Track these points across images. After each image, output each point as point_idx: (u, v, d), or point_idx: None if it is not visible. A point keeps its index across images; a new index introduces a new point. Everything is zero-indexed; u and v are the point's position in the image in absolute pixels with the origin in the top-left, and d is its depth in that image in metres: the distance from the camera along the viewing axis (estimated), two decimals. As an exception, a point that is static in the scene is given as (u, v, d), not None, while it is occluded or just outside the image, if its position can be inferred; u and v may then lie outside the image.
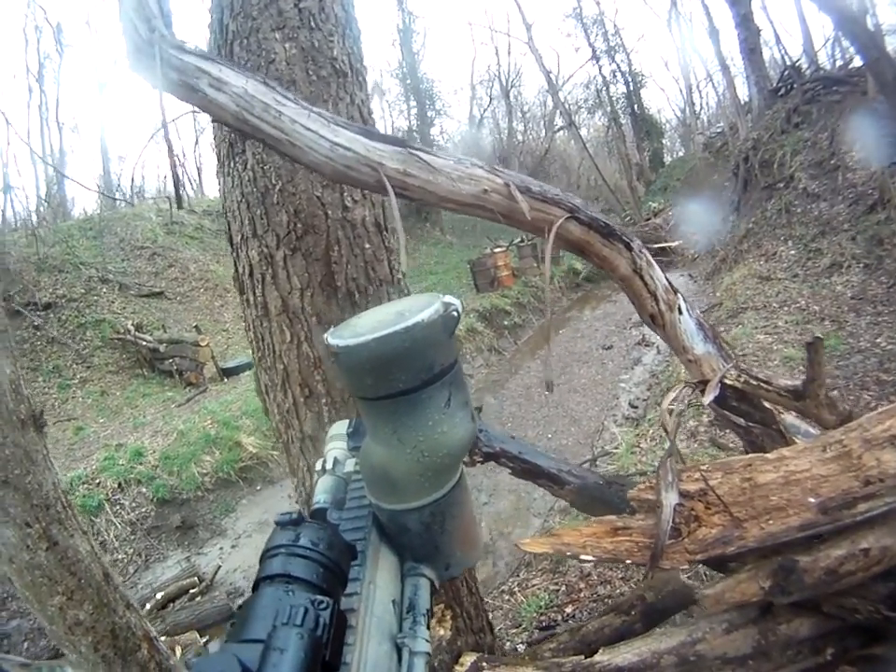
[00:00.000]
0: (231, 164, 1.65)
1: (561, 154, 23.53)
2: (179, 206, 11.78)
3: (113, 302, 10.90)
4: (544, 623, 2.95)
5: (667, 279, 1.27)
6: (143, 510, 5.18)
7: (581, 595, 3.19)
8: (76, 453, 6.73)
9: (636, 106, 20.27)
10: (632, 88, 20.13)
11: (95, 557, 1.76)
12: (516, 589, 3.51)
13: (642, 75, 20.68)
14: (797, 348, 5.50)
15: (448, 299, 0.52)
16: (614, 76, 20.18)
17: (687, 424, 5.01)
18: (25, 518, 1.57)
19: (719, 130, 15.55)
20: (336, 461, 0.65)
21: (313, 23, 1.59)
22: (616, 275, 1.24)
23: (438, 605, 1.73)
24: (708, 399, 1.31)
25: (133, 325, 10.12)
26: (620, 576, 3.15)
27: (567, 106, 20.52)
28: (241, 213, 1.63)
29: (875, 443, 1.40)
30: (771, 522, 1.40)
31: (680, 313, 1.31)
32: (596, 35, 19.67)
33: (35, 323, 9.69)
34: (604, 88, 20.18)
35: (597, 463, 4.81)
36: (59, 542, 1.63)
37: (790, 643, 1.62)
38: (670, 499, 1.14)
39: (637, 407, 6.19)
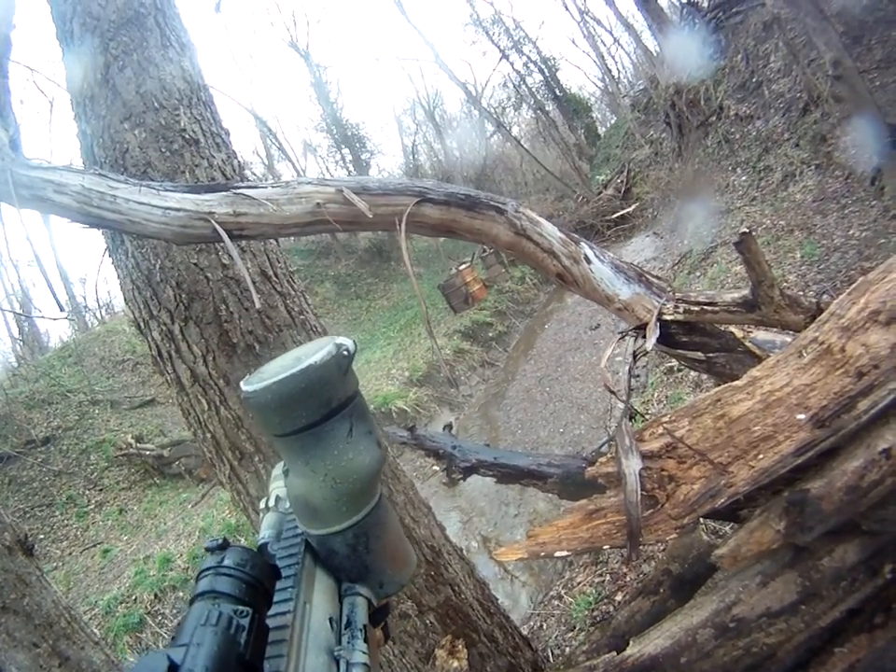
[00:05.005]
0: (117, 256, 1.65)
1: (501, 157, 23.68)
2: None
3: (108, 421, 10.85)
4: (598, 619, 2.78)
5: (563, 231, 1.16)
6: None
7: (628, 579, 3.02)
8: (107, 575, 6.66)
9: (556, 90, 20.49)
10: (547, 74, 20.34)
11: (113, 665, 1.77)
12: (563, 592, 3.34)
13: (554, 58, 21.01)
14: (774, 266, 5.41)
15: (340, 340, 0.57)
16: (527, 67, 20.36)
17: (688, 375, 4.88)
18: (31, 639, 1.59)
19: (641, 87, 15.74)
20: (278, 499, 0.69)
21: (156, 104, 1.61)
22: (500, 245, 1.11)
23: (446, 637, 1.60)
24: (651, 342, 1.19)
25: (133, 438, 10.04)
26: (662, 548, 2.98)
27: (491, 111, 20.82)
28: (136, 299, 1.61)
29: (856, 328, 1.24)
30: (760, 456, 1.24)
31: (590, 262, 1.19)
32: (498, 34, 19.91)
33: (39, 460, 9.58)
34: (521, 82, 20.42)
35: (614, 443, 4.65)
36: (70, 657, 1.64)
37: (839, 574, 1.44)
38: (632, 466, 1.01)
39: (639, 376, 6.05)
